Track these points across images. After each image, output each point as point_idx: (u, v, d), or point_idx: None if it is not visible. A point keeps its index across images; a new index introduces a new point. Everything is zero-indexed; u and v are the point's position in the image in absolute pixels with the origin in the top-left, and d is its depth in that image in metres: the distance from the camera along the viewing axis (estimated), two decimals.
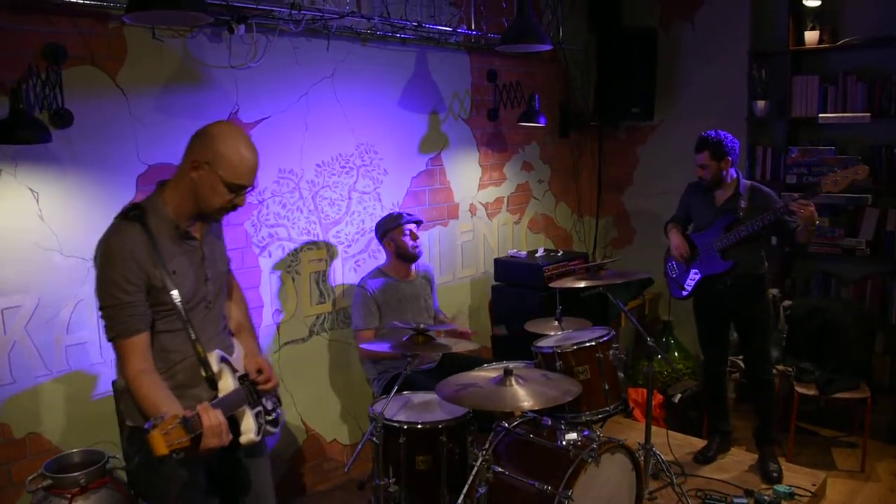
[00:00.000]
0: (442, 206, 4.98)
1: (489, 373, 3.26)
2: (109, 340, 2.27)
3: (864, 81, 4.88)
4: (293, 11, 3.66)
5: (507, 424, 3.37)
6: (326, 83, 4.14)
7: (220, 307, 2.56)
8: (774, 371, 4.45)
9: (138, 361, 2.25)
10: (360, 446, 3.16)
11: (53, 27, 3.04)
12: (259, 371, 2.59)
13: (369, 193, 4.46)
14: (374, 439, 3.26)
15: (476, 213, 5.27)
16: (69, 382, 3.24)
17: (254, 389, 2.55)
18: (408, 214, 4.17)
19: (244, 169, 2.33)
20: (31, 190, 3.06)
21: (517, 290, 5.02)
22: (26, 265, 3.07)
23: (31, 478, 2.97)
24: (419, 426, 3.31)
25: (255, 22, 3.62)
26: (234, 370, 2.46)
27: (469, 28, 4.83)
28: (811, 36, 5.04)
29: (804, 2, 5.04)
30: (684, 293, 4.36)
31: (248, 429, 2.44)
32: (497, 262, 5.18)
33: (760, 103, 5.26)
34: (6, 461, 3.09)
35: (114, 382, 2.81)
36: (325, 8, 3.85)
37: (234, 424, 2.38)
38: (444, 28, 4.61)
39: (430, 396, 3.55)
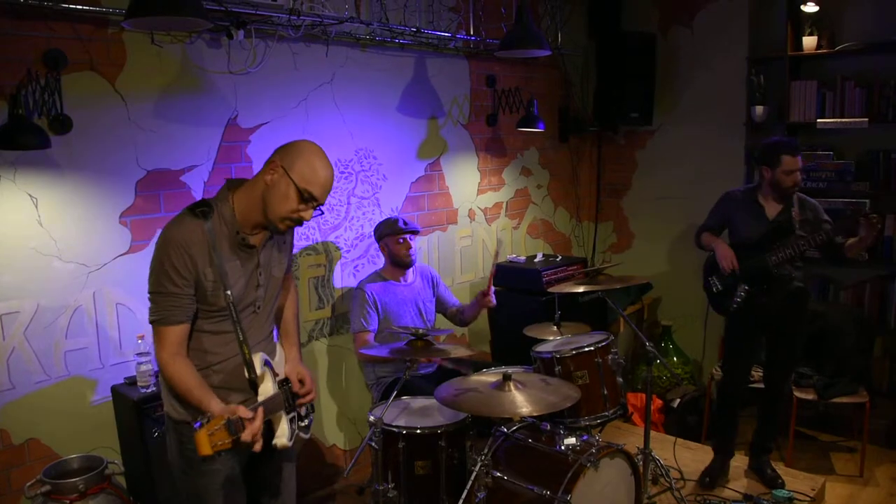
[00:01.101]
0: (441, 212, 4.99)
1: (488, 378, 3.26)
2: (150, 322, 2.32)
3: (862, 87, 4.88)
4: (292, 17, 3.66)
5: (505, 429, 3.37)
6: (325, 88, 4.15)
7: (270, 314, 2.59)
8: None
9: (173, 346, 2.30)
10: (359, 451, 3.16)
11: (53, 33, 3.05)
12: (301, 381, 2.61)
13: (368, 199, 4.47)
14: (374, 444, 3.27)
15: (475, 219, 5.27)
16: (68, 388, 3.24)
17: (290, 395, 2.56)
18: (405, 224, 4.16)
19: (318, 179, 2.36)
20: (30, 195, 3.06)
21: (516, 296, 5.02)
22: (25, 271, 3.07)
23: (29, 483, 2.97)
24: (418, 431, 3.30)
25: (253, 27, 3.64)
26: (275, 374, 2.49)
27: (468, 33, 4.84)
28: (809, 41, 5.05)
29: (802, 7, 5.05)
30: (732, 308, 4.03)
31: (283, 433, 2.46)
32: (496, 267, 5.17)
33: (759, 108, 5.27)
34: (5, 467, 3.08)
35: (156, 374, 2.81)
36: (324, 13, 3.86)
37: (269, 428, 2.40)
38: (443, 33, 4.62)
39: (430, 401, 3.55)
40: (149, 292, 2.32)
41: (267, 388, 2.41)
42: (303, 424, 2.64)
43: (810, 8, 5.02)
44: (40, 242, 3.11)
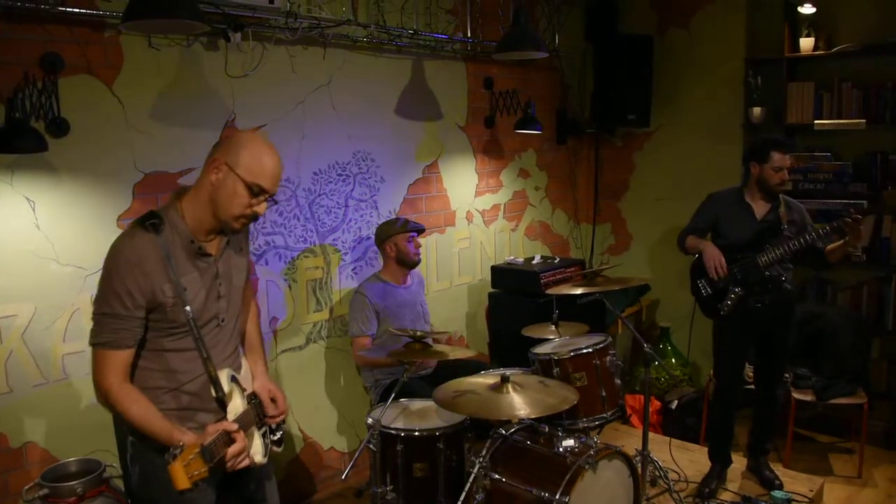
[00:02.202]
0: (438, 214, 4.99)
1: (486, 380, 3.26)
2: (93, 345, 2.17)
3: (860, 88, 4.89)
4: (289, 20, 3.67)
5: (504, 431, 3.37)
6: (323, 91, 4.15)
7: (235, 327, 2.46)
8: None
9: (119, 373, 2.16)
10: (357, 454, 3.15)
11: (50, 36, 3.05)
12: (273, 400, 2.53)
13: (366, 201, 4.47)
14: (372, 447, 3.26)
15: (473, 221, 5.27)
16: (66, 392, 3.23)
17: (260, 409, 2.48)
18: (414, 222, 4.19)
19: (265, 170, 2.23)
20: (27, 199, 3.06)
21: (514, 297, 5.02)
22: (23, 274, 3.07)
23: (27, 487, 2.96)
24: (416, 433, 3.30)
25: (251, 30, 3.64)
26: (242, 389, 2.39)
27: (465, 36, 4.85)
28: (806, 43, 5.06)
29: (799, 9, 5.06)
30: (723, 313, 3.96)
31: (257, 450, 2.39)
32: (494, 269, 5.18)
33: (756, 110, 5.28)
34: (3, 471, 3.08)
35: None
36: (322, 16, 3.86)
37: None
38: (440, 36, 4.63)
39: (428, 403, 3.54)
40: (95, 313, 2.16)
41: (236, 406, 2.31)
42: (275, 438, 2.55)
43: (807, 9, 5.03)
44: (38, 246, 3.11)
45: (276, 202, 2.38)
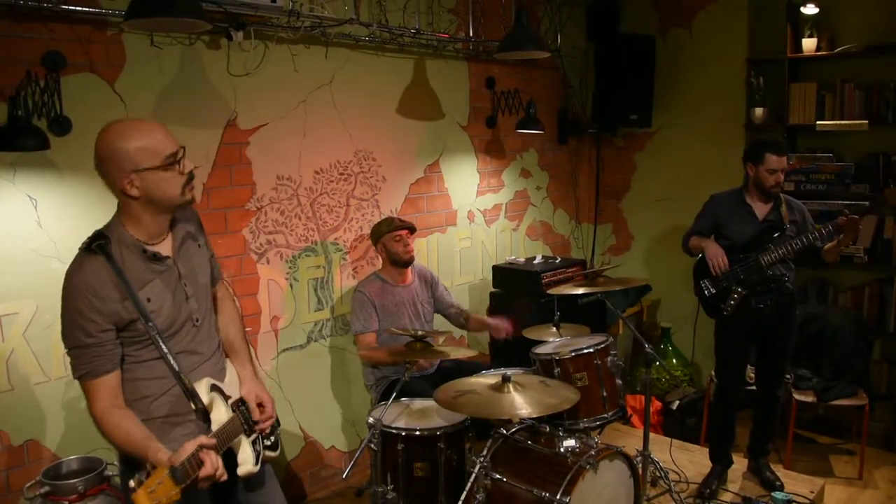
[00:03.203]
0: (440, 213, 4.99)
1: (487, 379, 3.26)
2: (77, 379, 2.15)
3: (862, 89, 4.89)
4: (291, 18, 3.66)
5: (505, 431, 3.37)
6: (325, 90, 4.15)
7: (212, 325, 2.41)
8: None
9: (107, 399, 2.13)
10: (358, 453, 3.15)
11: (52, 34, 3.05)
12: (260, 405, 2.45)
13: (367, 200, 4.47)
14: (373, 446, 3.26)
15: (474, 220, 5.27)
16: (67, 389, 3.23)
17: (249, 415, 2.40)
18: (399, 220, 4.18)
19: (156, 142, 2.13)
20: (29, 197, 3.06)
21: (515, 297, 5.02)
22: (24, 272, 3.07)
23: (28, 485, 2.96)
24: (417, 433, 3.30)
25: (253, 29, 3.64)
26: (226, 397, 2.32)
27: (467, 35, 4.85)
28: (809, 43, 5.06)
29: (802, 9, 5.05)
30: (726, 313, 3.98)
31: (247, 459, 2.31)
32: (495, 268, 5.18)
33: (758, 111, 5.27)
34: (4, 468, 3.09)
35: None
36: (324, 15, 3.86)
37: (230, 455, 2.25)
38: (442, 35, 4.62)
39: (429, 403, 3.54)
40: (66, 349, 2.14)
41: (220, 415, 2.23)
42: (268, 443, 2.47)
43: (810, 10, 5.03)
44: (39, 244, 3.11)
45: (183, 151, 2.24)
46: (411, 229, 4.22)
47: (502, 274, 5.14)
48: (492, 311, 5.23)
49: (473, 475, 3.12)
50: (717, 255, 3.93)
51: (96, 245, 2.13)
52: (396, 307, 4.16)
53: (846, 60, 4.98)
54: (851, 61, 4.97)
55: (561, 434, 3.24)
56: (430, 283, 4.41)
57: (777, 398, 4.17)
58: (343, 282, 4.38)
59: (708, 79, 5.62)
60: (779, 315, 3.97)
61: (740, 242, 3.95)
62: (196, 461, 1.98)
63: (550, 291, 4.02)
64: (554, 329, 4.10)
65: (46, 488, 2.91)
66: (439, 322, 4.56)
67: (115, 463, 3.15)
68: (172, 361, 2.17)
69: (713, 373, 4.82)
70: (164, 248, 2.26)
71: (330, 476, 4.43)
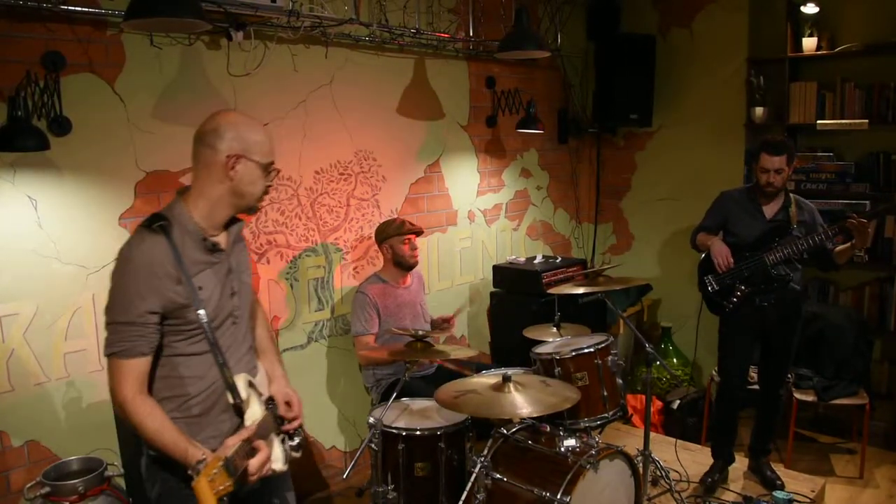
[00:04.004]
0: (440, 213, 4.99)
1: (488, 379, 3.26)
2: (108, 355, 2.10)
3: (862, 88, 4.89)
4: (291, 18, 3.66)
5: (505, 431, 3.37)
6: (325, 90, 4.15)
7: (248, 325, 2.41)
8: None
9: (136, 384, 2.09)
10: (359, 453, 3.15)
11: (52, 35, 3.05)
12: (288, 405, 2.45)
13: (367, 200, 4.47)
14: (373, 446, 3.27)
15: (475, 220, 5.27)
16: (67, 390, 3.24)
17: (278, 414, 2.40)
18: (410, 224, 4.18)
19: (270, 145, 2.27)
20: (29, 197, 3.06)
21: (516, 297, 5.02)
22: (24, 272, 3.07)
23: (29, 485, 2.96)
24: (418, 433, 3.30)
25: (253, 29, 3.64)
26: (259, 395, 2.32)
27: (468, 35, 4.84)
28: (809, 43, 5.05)
29: (802, 9, 5.05)
30: (728, 309, 4.01)
31: (277, 457, 2.31)
32: (496, 268, 5.18)
33: (758, 110, 5.27)
34: (5, 469, 3.08)
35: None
36: (324, 15, 3.85)
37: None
38: (442, 35, 4.62)
39: (429, 403, 3.54)
40: (108, 322, 2.10)
41: (255, 413, 2.24)
42: (293, 444, 2.46)
43: (810, 9, 5.02)
44: (39, 244, 3.11)
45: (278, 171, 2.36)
46: (419, 234, 4.23)
47: (503, 274, 5.14)
48: (492, 311, 5.23)
49: (474, 475, 3.12)
50: (721, 254, 3.95)
51: (158, 225, 2.13)
52: (398, 308, 4.17)
53: (846, 60, 4.98)
54: (852, 60, 4.97)
55: (561, 434, 3.24)
56: (422, 284, 4.44)
57: (779, 397, 4.17)
58: (343, 282, 4.38)
59: (708, 78, 5.62)
60: (782, 314, 3.97)
61: (747, 240, 3.96)
62: (244, 453, 2.01)
63: (551, 291, 4.02)
64: (554, 329, 4.10)
65: (47, 489, 2.92)
66: None
67: (116, 463, 3.17)
68: (219, 353, 2.19)
69: (714, 371, 4.82)
70: (221, 241, 2.28)
71: (331, 476, 4.43)
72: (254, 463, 2.03)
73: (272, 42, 3.81)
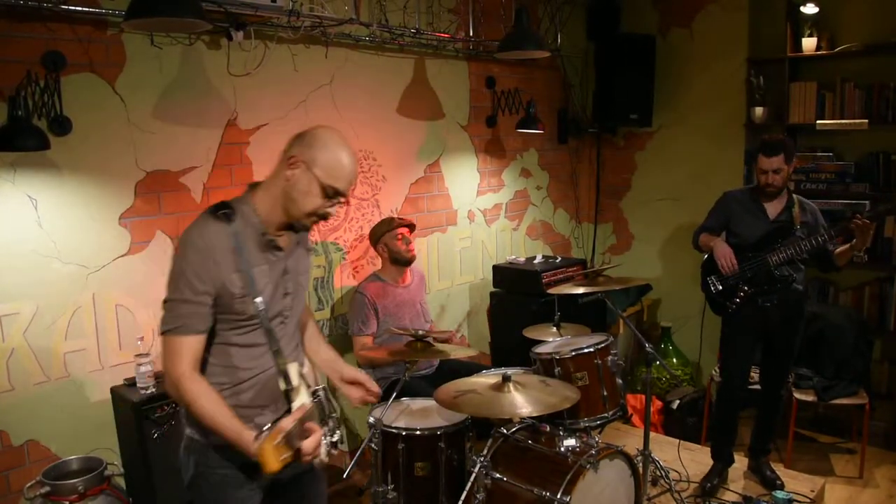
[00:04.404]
0: (440, 213, 4.99)
1: (487, 379, 3.26)
2: (162, 333, 2.13)
3: (862, 88, 4.89)
4: (292, 18, 3.66)
5: (505, 430, 3.37)
6: (325, 90, 4.15)
7: (297, 327, 2.43)
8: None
9: (190, 361, 2.12)
10: (358, 452, 3.16)
11: (52, 34, 3.05)
12: (354, 382, 2.54)
13: (367, 200, 4.47)
14: (373, 445, 3.27)
15: (474, 220, 5.27)
16: (67, 389, 3.24)
17: (324, 406, 2.39)
18: (400, 219, 4.18)
19: (342, 172, 2.20)
20: (29, 197, 3.06)
21: (515, 297, 5.02)
22: (24, 272, 3.07)
23: (29, 485, 2.97)
24: (418, 432, 3.30)
25: (253, 29, 3.64)
26: (308, 385, 2.33)
27: (468, 35, 4.84)
28: (809, 43, 5.05)
29: (802, 9, 5.05)
30: (731, 310, 4.02)
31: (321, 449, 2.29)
32: (495, 268, 5.18)
33: (758, 110, 5.27)
34: (4, 468, 3.08)
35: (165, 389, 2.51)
36: (324, 15, 3.85)
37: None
38: (442, 35, 4.62)
39: (429, 403, 3.54)
40: (165, 300, 2.14)
41: (303, 401, 2.23)
42: (334, 439, 2.43)
43: (810, 9, 5.02)
44: (40, 244, 3.11)
45: (347, 204, 2.34)
46: (411, 227, 4.22)
47: (502, 273, 5.14)
48: (492, 311, 5.23)
49: (474, 475, 3.12)
50: (725, 256, 3.94)
51: (222, 213, 2.17)
52: (397, 307, 4.16)
53: (846, 60, 4.98)
54: (851, 60, 4.97)
55: (561, 433, 3.25)
56: (423, 282, 4.43)
57: (780, 398, 4.17)
58: (343, 282, 4.38)
59: (708, 78, 5.62)
60: (785, 315, 3.96)
61: (750, 241, 3.96)
62: (298, 432, 2.02)
63: (551, 291, 4.02)
64: (554, 329, 4.10)
65: (47, 488, 2.92)
66: (440, 321, 4.56)
67: (116, 463, 3.18)
68: (274, 340, 2.20)
69: (714, 371, 4.82)
70: (282, 242, 2.29)
71: (330, 476, 4.41)
72: (308, 443, 2.04)
73: (272, 42, 3.81)
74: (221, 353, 2.22)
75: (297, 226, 2.29)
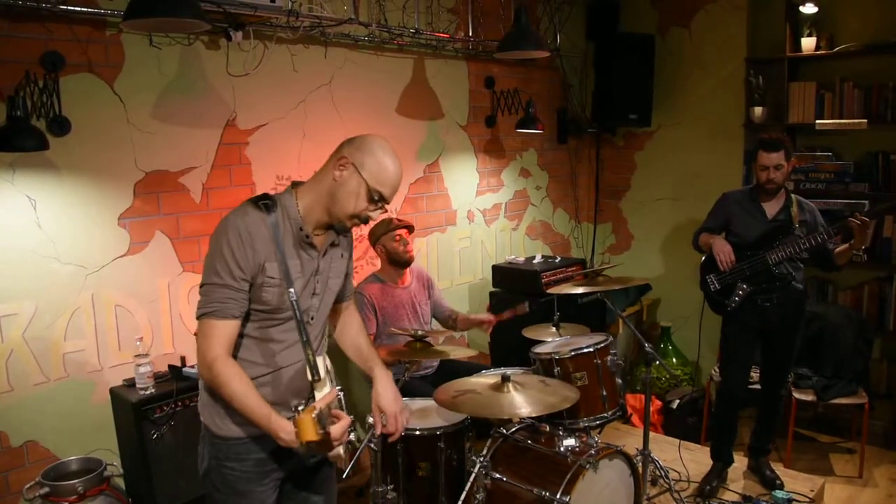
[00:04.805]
0: (440, 213, 4.99)
1: (487, 379, 3.26)
2: (198, 317, 2.16)
3: (861, 88, 4.89)
4: (291, 18, 3.66)
5: (504, 430, 3.37)
6: (324, 90, 4.15)
7: (323, 328, 2.45)
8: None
9: (225, 345, 2.15)
10: (358, 452, 3.15)
11: (51, 35, 3.05)
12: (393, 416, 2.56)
13: None
14: (373, 446, 3.26)
15: (474, 220, 5.27)
16: (67, 390, 3.23)
17: (341, 405, 2.37)
18: (398, 220, 4.18)
19: (390, 179, 2.24)
20: (28, 197, 3.06)
21: (515, 297, 5.01)
22: (24, 272, 3.07)
23: (28, 486, 2.97)
24: (417, 432, 3.30)
25: (252, 29, 3.64)
26: (332, 380, 2.31)
27: (467, 35, 4.84)
28: (808, 43, 5.06)
29: (801, 9, 5.06)
30: (729, 309, 4.02)
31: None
32: (495, 268, 5.18)
33: (757, 110, 5.27)
34: (4, 469, 3.08)
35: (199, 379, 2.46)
36: (323, 15, 3.85)
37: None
38: (442, 35, 4.62)
39: (429, 403, 3.54)
40: (202, 284, 2.17)
41: (326, 390, 2.21)
42: (351, 438, 2.41)
43: (809, 9, 5.03)
44: (39, 244, 3.11)
45: (386, 210, 2.36)
46: (409, 228, 4.21)
47: (502, 273, 5.14)
48: (491, 311, 5.22)
49: (473, 475, 3.12)
50: (723, 251, 3.95)
51: (263, 203, 2.21)
52: (396, 308, 4.16)
53: (845, 59, 4.98)
54: (850, 60, 4.97)
55: (561, 433, 3.24)
56: (427, 284, 4.41)
57: (780, 397, 4.17)
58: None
59: (707, 78, 5.62)
60: (784, 314, 3.97)
61: (749, 240, 3.97)
62: (329, 415, 2.05)
63: (550, 291, 4.02)
64: (554, 328, 4.10)
65: (46, 489, 2.92)
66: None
67: (115, 464, 3.18)
68: (304, 331, 2.20)
69: (714, 371, 4.82)
70: (318, 241, 2.31)
71: None
72: (336, 429, 2.06)
73: (271, 42, 3.81)
74: (252, 346, 2.25)
75: (336, 226, 2.30)
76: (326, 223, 2.29)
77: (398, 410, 2.57)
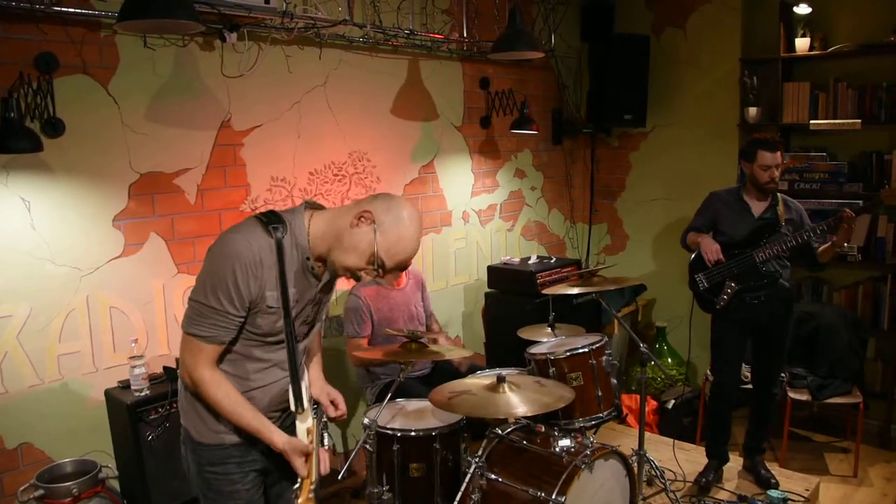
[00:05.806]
0: (435, 214, 4.99)
1: (482, 380, 3.26)
2: (189, 333, 2.12)
3: (855, 88, 4.90)
4: (285, 19, 3.66)
5: (500, 431, 3.37)
6: (319, 91, 4.14)
7: (304, 349, 2.40)
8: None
9: (212, 365, 2.14)
10: (353, 454, 3.16)
11: (45, 36, 3.04)
12: (333, 404, 2.48)
13: None
14: (368, 447, 3.27)
15: (469, 221, 5.27)
16: (61, 392, 3.23)
17: (321, 417, 2.41)
18: None
19: (401, 253, 2.16)
20: (22, 199, 3.06)
21: (510, 297, 5.03)
22: (18, 274, 3.07)
23: (23, 488, 2.96)
24: (413, 433, 3.30)
25: (246, 30, 3.63)
26: (313, 405, 2.35)
27: (461, 36, 4.85)
28: (802, 43, 5.07)
29: (795, 9, 5.07)
30: (718, 307, 4.04)
31: (324, 461, 2.33)
32: (490, 269, 5.18)
33: (752, 110, 5.28)
34: None
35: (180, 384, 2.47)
36: (318, 16, 3.85)
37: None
38: (436, 36, 4.62)
39: (424, 404, 3.54)
40: (197, 300, 2.11)
41: (308, 421, 2.24)
42: (325, 447, 2.46)
43: (803, 10, 5.04)
44: (33, 246, 3.10)
45: (381, 277, 2.28)
46: None
47: (497, 274, 5.14)
48: (487, 312, 5.23)
49: (469, 475, 3.12)
50: (710, 248, 3.98)
51: (272, 226, 2.13)
52: (391, 310, 4.16)
53: (839, 60, 5.00)
54: (844, 61, 4.98)
55: (556, 434, 3.25)
56: (420, 284, 4.42)
57: (773, 396, 4.18)
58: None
59: (702, 78, 5.63)
60: (773, 311, 3.99)
61: (736, 239, 3.99)
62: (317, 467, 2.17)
63: (545, 291, 4.02)
64: (549, 329, 4.10)
65: (41, 491, 2.92)
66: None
67: (110, 466, 3.17)
68: (294, 358, 2.18)
69: (709, 371, 4.83)
70: (320, 270, 2.25)
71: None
72: (322, 469, 2.18)
73: (266, 43, 3.80)
74: (238, 362, 2.23)
75: (329, 268, 2.25)
76: (324, 259, 2.24)
77: (334, 397, 2.51)
